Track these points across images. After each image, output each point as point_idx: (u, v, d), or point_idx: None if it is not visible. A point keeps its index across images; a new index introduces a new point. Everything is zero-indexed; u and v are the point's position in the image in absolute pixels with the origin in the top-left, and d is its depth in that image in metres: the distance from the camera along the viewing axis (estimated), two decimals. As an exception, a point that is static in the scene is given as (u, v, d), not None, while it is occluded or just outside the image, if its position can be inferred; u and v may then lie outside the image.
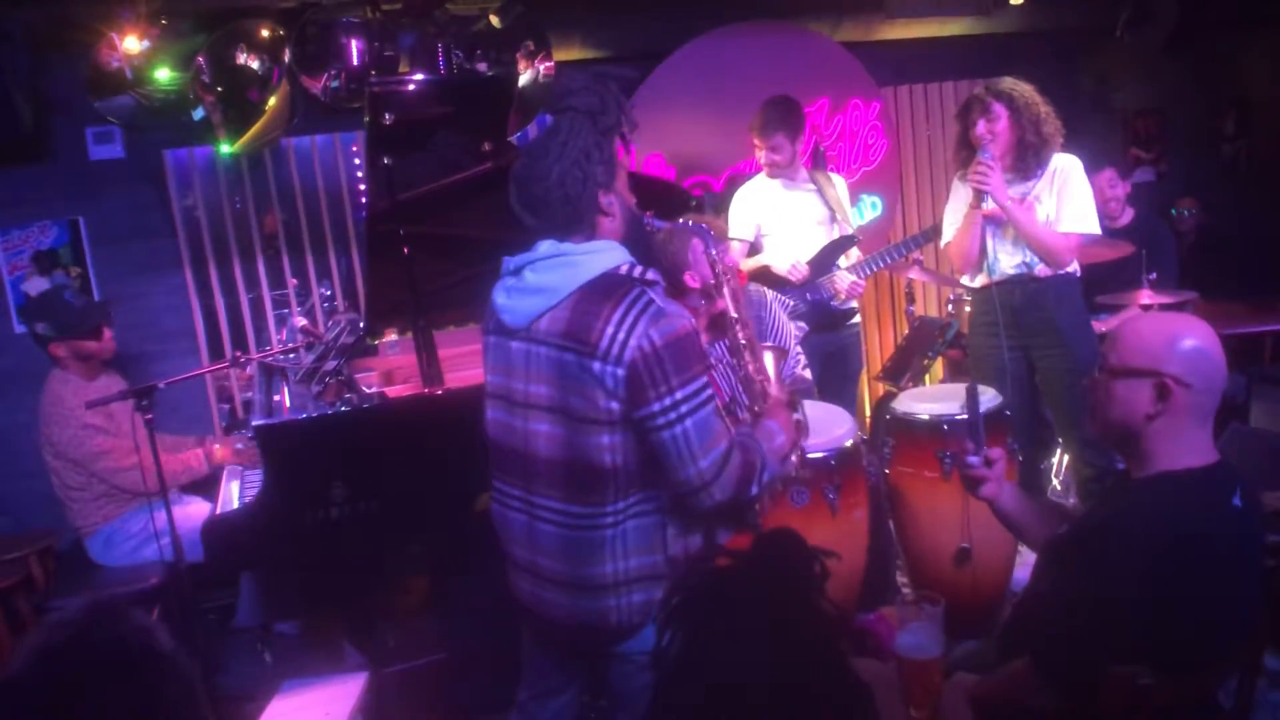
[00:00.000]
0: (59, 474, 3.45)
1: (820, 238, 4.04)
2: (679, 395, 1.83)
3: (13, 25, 3.66)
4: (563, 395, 1.89)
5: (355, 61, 3.97)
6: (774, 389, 2.31)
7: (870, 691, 1.15)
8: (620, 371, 1.82)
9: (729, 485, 1.88)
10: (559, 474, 1.92)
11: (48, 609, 3.31)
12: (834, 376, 3.98)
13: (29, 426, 3.53)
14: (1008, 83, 3.44)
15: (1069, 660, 1.64)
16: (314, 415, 2.95)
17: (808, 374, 3.49)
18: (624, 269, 1.91)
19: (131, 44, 3.70)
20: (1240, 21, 5.62)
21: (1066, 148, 3.51)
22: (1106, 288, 4.04)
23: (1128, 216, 4.68)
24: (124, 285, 4.25)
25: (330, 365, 3.22)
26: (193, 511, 3.52)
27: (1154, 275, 4.01)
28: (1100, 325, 3.73)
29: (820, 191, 4.07)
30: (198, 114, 3.93)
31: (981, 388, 2.72)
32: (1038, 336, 3.53)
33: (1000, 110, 3.39)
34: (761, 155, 4.01)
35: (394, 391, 3.38)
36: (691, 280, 2.86)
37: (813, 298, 3.96)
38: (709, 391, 1.89)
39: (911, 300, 4.97)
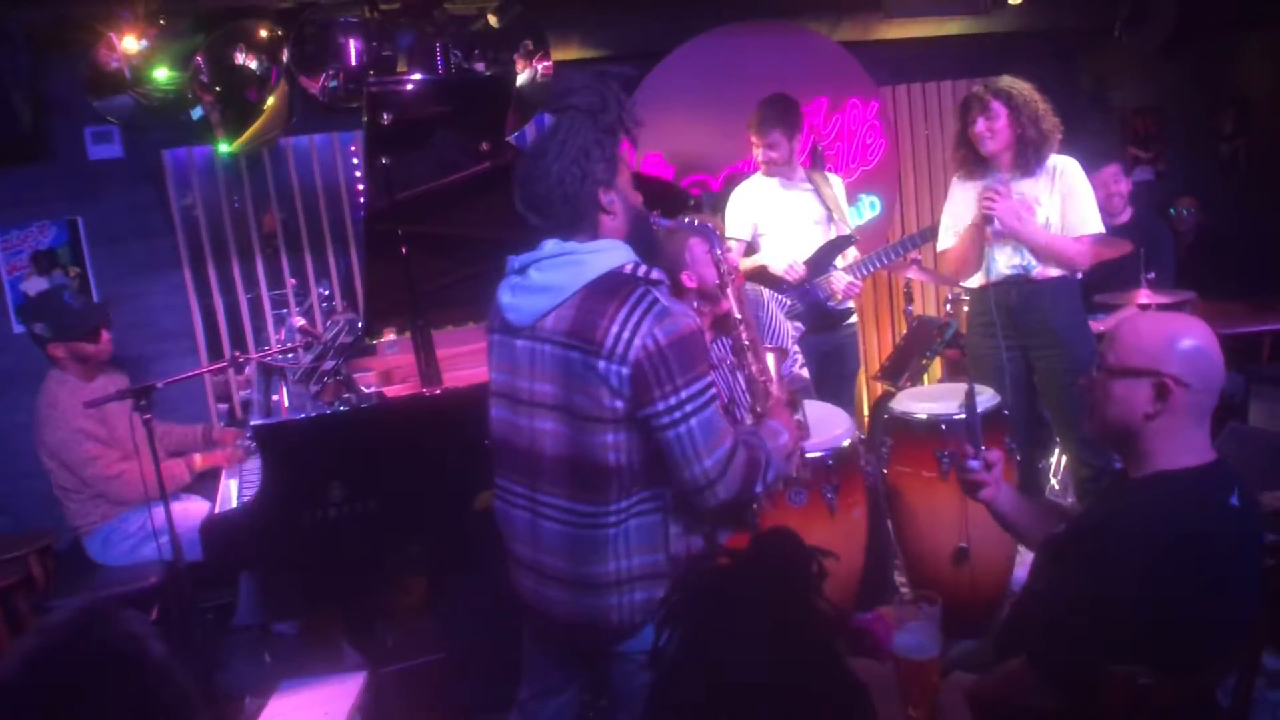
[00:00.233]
0: (54, 474, 3.45)
1: (817, 237, 4.03)
2: (684, 394, 1.83)
3: (12, 25, 3.66)
4: (567, 393, 1.89)
5: (353, 61, 3.98)
6: (776, 389, 2.31)
7: (867, 691, 1.15)
8: (625, 370, 1.82)
9: (733, 484, 1.89)
10: (563, 472, 1.93)
11: (47, 608, 3.31)
12: (831, 377, 3.98)
13: (28, 427, 3.52)
14: (1006, 81, 3.45)
15: (1067, 660, 1.64)
16: (312, 415, 2.95)
17: (805, 373, 3.49)
18: (629, 268, 1.91)
19: (130, 44, 3.70)
20: (1239, 21, 5.63)
21: (1065, 148, 3.51)
22: (1104, 287, 4.03)
23: (1126, 215, 4.68)
24: (122, 285, 4.25)
25: (328, 365, 3.21)
26: (192, 510, 3.52)
27: (1152, 275, 4.01)
28: (1098, 325, 3.73)
29: (817, 191, 4.07)
30: (196, 114, 3.93)
31: (979, 388, 2.71)
32: (1034, 337, 3.54)
33: (999, 108, 3.40)
34: (759, 153, 4.01)
35: (392, 391, 3.37)
36: (688, 280, 2.86)
37: (809, 298, 3.96)
38: (713, 391, 1.90)
39: (910, 300, 4.97)
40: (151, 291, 4.32)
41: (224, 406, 4.51)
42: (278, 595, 3.55)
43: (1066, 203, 3.44)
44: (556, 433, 1.92)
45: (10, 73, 3.64)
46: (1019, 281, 3.52)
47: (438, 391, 3.02)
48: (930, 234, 4.15)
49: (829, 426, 3.07)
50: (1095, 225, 3.47)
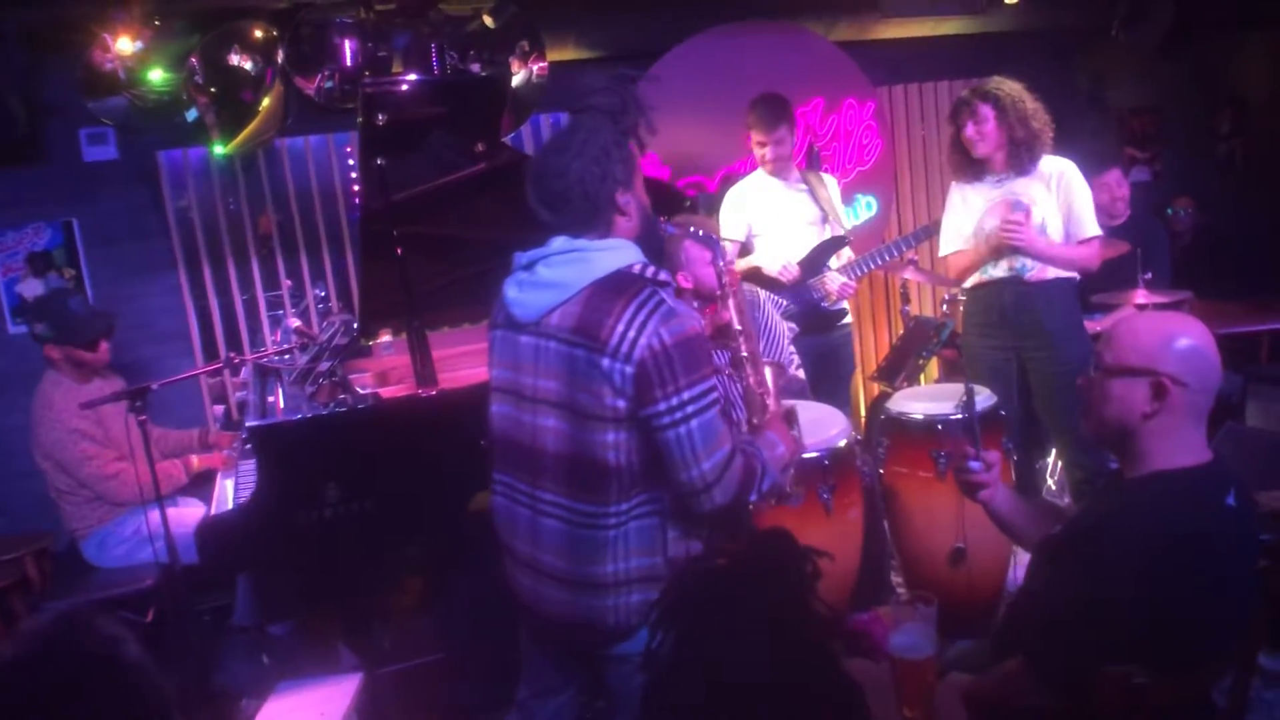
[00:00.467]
0: (50, 477, 3.45)
1: (812, 238, 4.02)
2: (685, 395, 1.83)
3: (6, 26, 3.66)
4: (570, 391, 1.89)
5: (349, 62, 3.98)
6: (773, 403, 2.32)
7: (863, 691, 1.15)
8: (629, 369, 1.82)
9: (730, 489, 1.88)
10: (564, 469, 1.93)
11: (43, 610, 3.30)
12: (826, 377, 3.97)
13: (23, 428, 3.52)
14: (993, 82, 3.45)
15: (1064, 660, 1.64)
16: (308, 416, 2.94)
17: (801, 374, 3.49)
18: (636, 268, 1.92)
19: (125, 45, 3.70)
20: (1237, 21, 5.63)
21: (1062, 148, 3.51)
22: (1101, 287, 4.04)
23: (1123, 216, 4.68)
24: (118, 287, 4.25)
25: (324, 366, 3.21)
26: (188, 514, 3.51)
27: (1149, 275, 4.01)
28: (1095, 325, 3.73)
29: (812, 192, 4.06)
30: (191, 115, 3.93)
31: (977, 388, 2.71)
32: (1028, 338, 3.54)
33: (986, 112, 3.40)
34: (766, 152, 3.97)
35: (388, 392, 3.37)
36: (684, 280, 2.86)
37: (804, 299, 3.96)
38: (715, 394, 1.90)
39: (907, 300, 4.97)
40: (147, 293, 4.31)
41: (220, 408, 4.49)
42: (274, 596, 3.55)
43: (1069, 208, 3.45)
44: (558, 430, 1.92)
45: (5, 74, 3.65)
46: (1014, 282, 3.52)
47: (433, 392, 3.01)
48: (925, 234, 4.15)
49: (825, 427, 3.07)
50: (1093, 229, 3.47)
